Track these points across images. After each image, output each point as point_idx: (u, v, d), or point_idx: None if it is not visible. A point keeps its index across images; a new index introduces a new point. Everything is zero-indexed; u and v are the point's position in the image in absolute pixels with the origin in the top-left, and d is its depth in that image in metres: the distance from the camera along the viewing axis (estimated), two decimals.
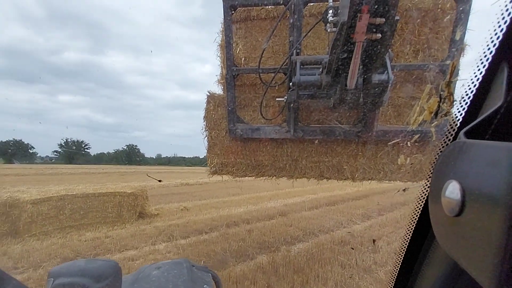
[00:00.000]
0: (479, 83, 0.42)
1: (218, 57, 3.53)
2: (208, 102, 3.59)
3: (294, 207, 9.28)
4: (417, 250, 0.59)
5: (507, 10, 0.36)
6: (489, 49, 0.39)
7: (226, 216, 7.89)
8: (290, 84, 2.89)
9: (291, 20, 2.99)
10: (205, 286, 0.98)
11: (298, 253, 4.96)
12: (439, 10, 2.95)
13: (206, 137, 3.65)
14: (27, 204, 5.73)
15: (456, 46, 2.82)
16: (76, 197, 6.42)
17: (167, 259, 1.20)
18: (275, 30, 3.11)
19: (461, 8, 2.72)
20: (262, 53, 3.02)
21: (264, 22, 3.31)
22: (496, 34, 0.38)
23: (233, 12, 3.16)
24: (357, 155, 3.32)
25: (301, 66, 2.78)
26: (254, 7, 3.22)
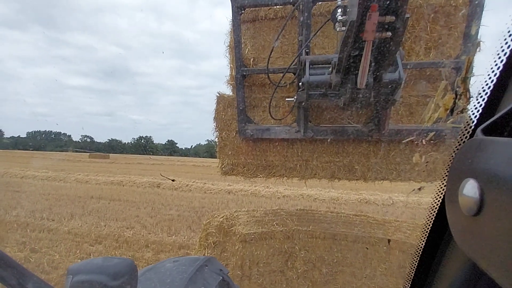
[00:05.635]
0: (497, 78, 0.41)
1: (227, 58, 3.55)
2: (218, 103, 3.61)
3: None
4: (434, 251, 0.58)
5: None
6: (506, 43, 0.38)
7: None
8: (300, 84, 2.88)
9: (301, 19, 2.98)
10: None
11: None
12: (451, 6, 2.89)
13: (217, 138, 3.68)
14: (237, 242, 3.31)
15: (472, 41, 2.75)
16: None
17: None
18: (284, 29, 3.10)
19: (476, 2, 2.66)
20: (271, 53, 3.02)
21: (273, 22, 3.31)
22: None
23: (242, 12, 3.17)
24: (369, 155, 3.28)
25: (311, 66, 2.77)
26: (262, 7, 3.23)
